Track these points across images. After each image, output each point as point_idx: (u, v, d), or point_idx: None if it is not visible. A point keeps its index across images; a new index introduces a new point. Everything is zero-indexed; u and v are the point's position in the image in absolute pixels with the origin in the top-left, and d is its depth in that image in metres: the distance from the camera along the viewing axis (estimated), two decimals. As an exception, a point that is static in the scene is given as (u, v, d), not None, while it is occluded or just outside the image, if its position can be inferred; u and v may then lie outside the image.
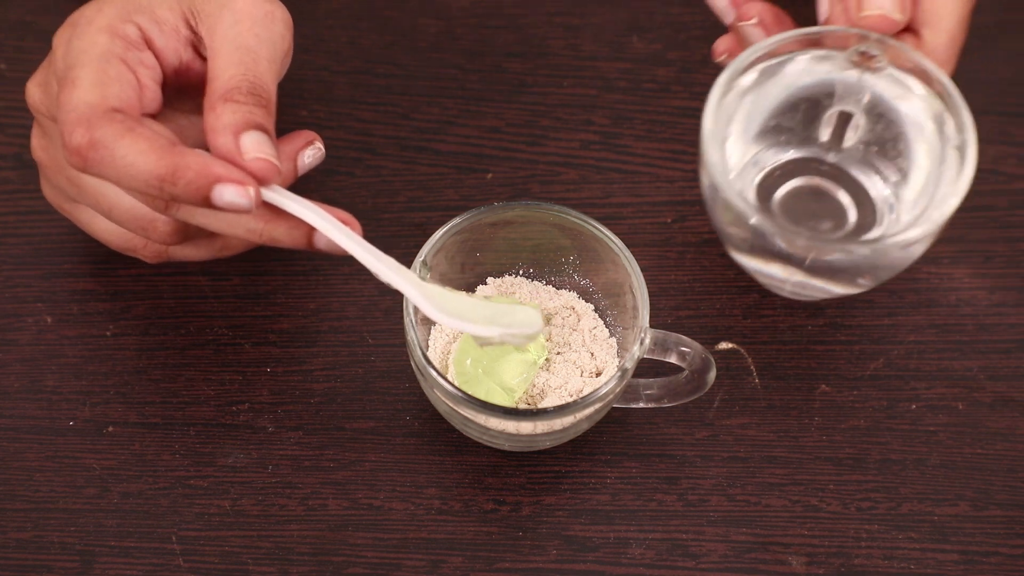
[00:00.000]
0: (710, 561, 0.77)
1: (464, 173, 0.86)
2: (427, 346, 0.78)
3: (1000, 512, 0.78)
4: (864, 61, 0.72)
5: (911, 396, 0.81)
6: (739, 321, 0.82)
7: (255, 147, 0.70)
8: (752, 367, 0.81)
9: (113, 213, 0.74)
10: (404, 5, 0.91)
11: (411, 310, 0.74)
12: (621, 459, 0.79)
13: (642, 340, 0.74)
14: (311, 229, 0.71)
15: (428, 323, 0.78)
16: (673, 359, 0.75)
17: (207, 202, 0.69)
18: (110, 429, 0.79)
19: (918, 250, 0.71)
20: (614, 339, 0.79)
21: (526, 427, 0.74)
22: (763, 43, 0.73)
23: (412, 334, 0.74)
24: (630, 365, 0.74)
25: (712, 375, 0.75)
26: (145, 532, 0.77)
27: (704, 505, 0.78)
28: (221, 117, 0.70)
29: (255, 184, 0.69)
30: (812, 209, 0.75)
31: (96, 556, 0.77)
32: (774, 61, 0.73)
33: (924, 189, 0.73)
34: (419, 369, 0.74)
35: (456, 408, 0.74)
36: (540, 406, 0.76)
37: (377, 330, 0.81)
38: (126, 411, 0.80)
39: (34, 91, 0.75)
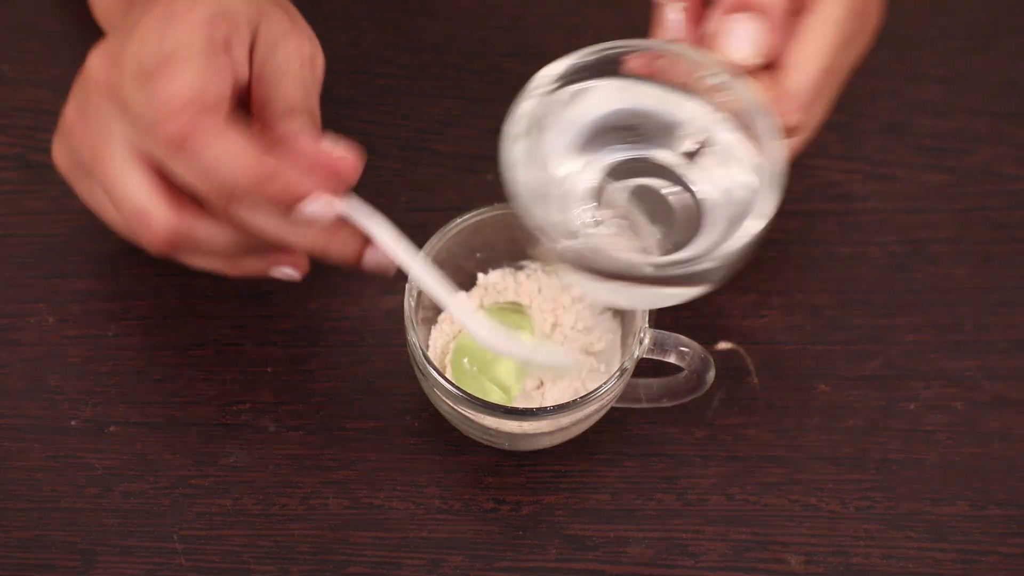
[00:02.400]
0: (709, 560, 0.77)
1: (464, 173, 0.86)
2: (427, 346, 0.78)
3: (998, 511, 0.78)
4: (711, 92, 0.70)
5: (910, 396, 0.81)
6: (738, 321, 0.82)
7: (337, 148, 0.71)
8: (751, 367, 0.81)
9: (115, 197, 0.74)
10: (404, 5, 0.91)
11: (412, 310, 0.74)
12: (621, 458, 0.79)
13: (642, 340, 0.74)
14: (363, 247, 0.72)
15: (428, 323, 0.78)
16: (672, 359, 0.75)
17: (289, 210, 0.70)
18: (112, 429, 0.80)
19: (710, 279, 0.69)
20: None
21: (526, 427, 0.74)
22: (604, 46, 0.70)
23: (412, 335, 0.74)
24: (630, 365, 0.74)
25: (711, 375, 0.76)
26: (147, 531, 0.77)
27: (703, 504, 0.78)
28: (297, 123, 0.71)
29: (340, 200, 0.70)
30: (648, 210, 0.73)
31: (98, 555, 0.77)
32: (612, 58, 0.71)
33: (729, 221, 0.70)
34: (419, 369, 0.75)
35: (457, 408, 0.74)
36: (540, 406, 0.76)
37: (377, 330, 0.82)
38: (128, 411, 0.80)
39: (95, 62, 0.74)
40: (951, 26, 0.90)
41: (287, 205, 0.70)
